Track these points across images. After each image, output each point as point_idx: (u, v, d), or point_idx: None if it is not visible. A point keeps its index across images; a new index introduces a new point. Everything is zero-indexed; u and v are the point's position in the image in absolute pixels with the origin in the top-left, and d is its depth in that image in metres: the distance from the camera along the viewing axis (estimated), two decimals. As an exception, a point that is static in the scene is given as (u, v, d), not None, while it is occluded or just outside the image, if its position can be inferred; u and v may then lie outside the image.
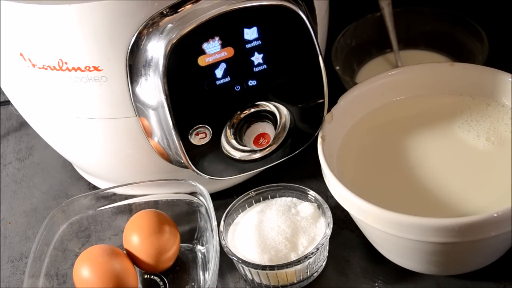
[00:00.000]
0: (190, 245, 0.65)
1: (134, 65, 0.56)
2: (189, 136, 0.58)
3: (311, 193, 0.63)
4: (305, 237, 0.60)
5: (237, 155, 0.62)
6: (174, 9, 0.55)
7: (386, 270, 0.61)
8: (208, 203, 0.62)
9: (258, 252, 0.59)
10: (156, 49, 0.55)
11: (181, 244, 0.64)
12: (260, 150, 0.63)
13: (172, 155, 0.61)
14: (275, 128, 0.62)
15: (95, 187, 0.72)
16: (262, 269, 0.59)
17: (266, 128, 0.61)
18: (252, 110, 0.60)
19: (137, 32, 0.55)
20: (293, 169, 0.71)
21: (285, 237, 0.60)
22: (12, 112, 0.83)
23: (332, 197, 0.59)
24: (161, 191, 0.66)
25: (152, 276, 0.64)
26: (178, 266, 0.64)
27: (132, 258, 0.62)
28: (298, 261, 0.58)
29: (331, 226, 0.60)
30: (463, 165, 0.60)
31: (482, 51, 0.73)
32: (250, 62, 0.58)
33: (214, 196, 0.66)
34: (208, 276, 0.60)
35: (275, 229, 0.61)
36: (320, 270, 0.62)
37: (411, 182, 0.59)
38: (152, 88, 0.56)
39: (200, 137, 0.59)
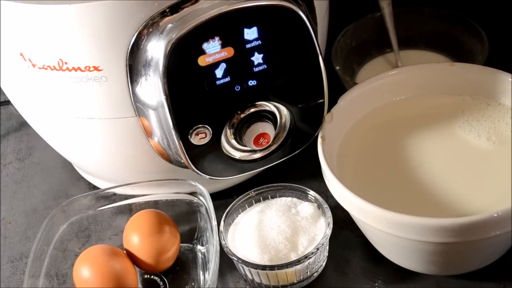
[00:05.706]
0: (190, 245, 0.65)
1: (134, 65, 0.56)
2: (189, 136, 0.58)
3: (311, 193, 0.63)
4: (305, 237, 0.60)
5: (237, 155, 0.62)
6: (174, 9, 0.55)
7: (386, 270, 0.61)
8: (208, 203, 0.62)
9: (258, 252, 0.59)
10: (156, 49, 0.55)
11: (181, 244, 0.64)
12: (260, 150, 0.63)
13: (172, 155, 0.61)
14: (275, 128, 0.62)
15: (95, 187, 0.72)
16: (262, 269, 0.59)
17: (266, 128, 0.61)
18: (252, 110, 0.60)
19: (137, 32, 0.55)
20: (293, 169, 0.71)
21: (285, 237, 0.60)
22: (12, 112, 0.83)
23: (332, 197, 0.59)
24: (161, 191, 0.66)
25: (152, 276, 0.64)
26: (178, 266, 0.64)
27: (132, 258, 0.62)
28: (298, 261, 0.58)
29: (331, 226, 0.60)
30: (464, 165, 0.60)
31: (482, 51, 0.73)
32: (250, 62, 0.57)
33: (214, 196, 0.66)
34: (208, 276, 0.60)
35: (275, 229, 0.61)
36: (320, 270, 0.62)
37: (411, 182, 0.59)
38: (152, 88, 0.56)
39: (200, 137, 0.59)
